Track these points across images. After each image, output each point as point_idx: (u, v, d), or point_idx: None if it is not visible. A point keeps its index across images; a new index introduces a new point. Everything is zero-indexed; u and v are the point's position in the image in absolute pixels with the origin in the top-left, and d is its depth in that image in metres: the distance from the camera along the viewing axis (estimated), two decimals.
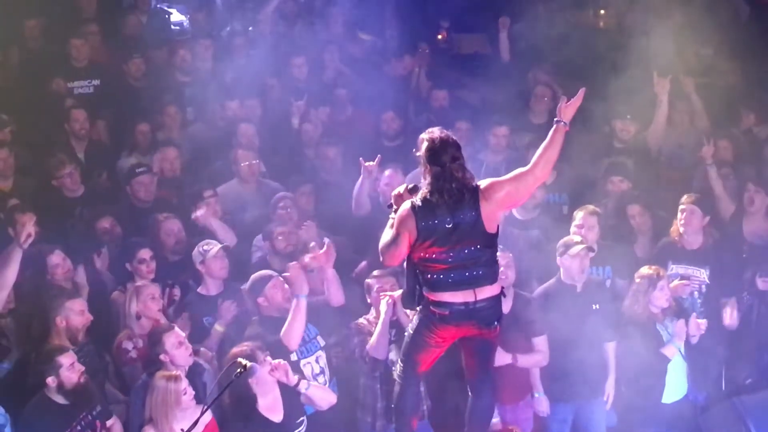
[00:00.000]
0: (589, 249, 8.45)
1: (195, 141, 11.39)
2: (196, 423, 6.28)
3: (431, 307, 6.55)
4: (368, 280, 8.22)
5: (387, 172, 9.78)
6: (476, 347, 6.78)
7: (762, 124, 11.33)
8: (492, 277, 6.54)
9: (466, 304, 6.47)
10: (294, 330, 7.76)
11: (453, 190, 6.35)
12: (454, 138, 6.47)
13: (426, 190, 6.42)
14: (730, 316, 8.80)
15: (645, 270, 8.43)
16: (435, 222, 6.37)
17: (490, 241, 6.48)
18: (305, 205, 9.97)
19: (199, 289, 8.75)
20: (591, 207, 9.04)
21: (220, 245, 8.66)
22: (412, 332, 6.78)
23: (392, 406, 7.26)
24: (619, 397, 8.56)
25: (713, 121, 11.08)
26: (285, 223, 9.36)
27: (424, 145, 6.44)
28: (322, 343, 8.25)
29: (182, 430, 6.44)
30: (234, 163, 10.40)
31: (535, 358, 8.35)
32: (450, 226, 6.36)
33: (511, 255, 8.26)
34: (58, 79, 11.66)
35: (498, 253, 7.94)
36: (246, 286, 8.24)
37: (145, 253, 8.73)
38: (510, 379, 8.22)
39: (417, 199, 6.44)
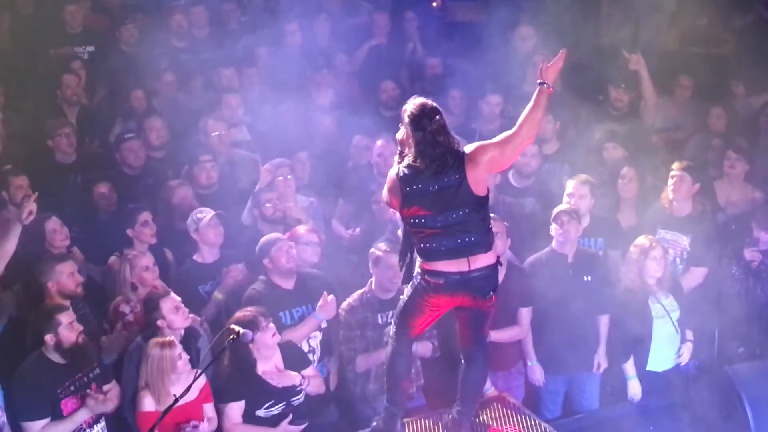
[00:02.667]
0: (570, 213, 8.43)
1: (185, 108, 11.38)
2: (189, 388, 6.26)
3: (426, 276, 6.51)
4: (375, 252, 8.10)
5: (379, 143, 9.71)
6: (470, 317, 6.74)
7: (751, 95, 11.33)
8: (486, 245, 6.46)
9: (460, 273, 6.42)
10: (296, 335, 7.91)
11: (436, 154, 6.31)
12: (435, 104, 6.44)
13: (411, 157, 6.40)
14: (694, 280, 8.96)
15: (640, 240, 8.42)
16: (419, 186, 6.34)
17: (479, 205, 6.41)
18: (300, 172, 9.90)
19: (194, 257, 8.69)
20: (583, 176, 9.00)
21: (213, 212, 8.60)
22: (406, 299, 6.74)
23: (384, 368, 7.26)
24: (611, 368, 8.59)
25: (708, 91, 11.07)
26: (282, 191, 9.30)
27: (407, 113, 6.42)
28: (324, 324, 8.21)
29: (175, 395, 6.42)
30: (204, 133, 10.34)
31: (511, 332, 8.37)
32: (435, 189, 6.32)
33: (505, 224, 8.24)
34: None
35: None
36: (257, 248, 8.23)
37: (146, 216, 8.72)
38: (502, 346, 8.26)
39: (402, 166, 6.42)
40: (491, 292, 6.56)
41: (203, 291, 8.50)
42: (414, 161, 6.37)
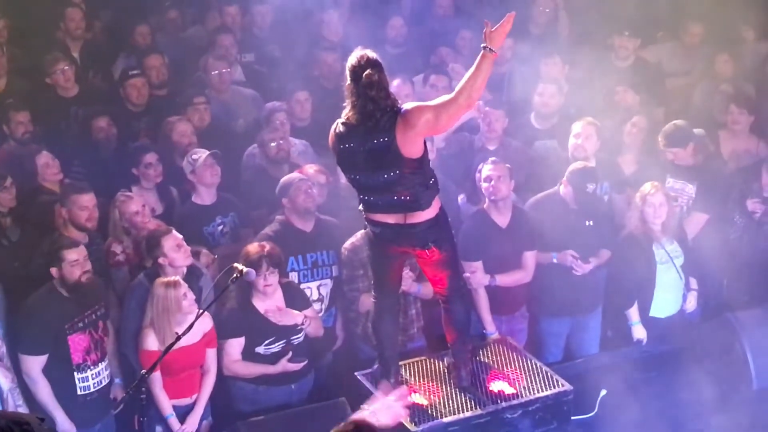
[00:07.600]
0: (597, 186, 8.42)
1: (190, 45, 11.29)
2: (191, 327, 6.25)
3: (368, 225, 6.57)
4: None
5: (395, 83, 9.44)
6: (427, 263, 6.68)
7: (762, 39, 11.21)
8: (426, 202, 6.35)
9: (397, 225, 6.40)
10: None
11: (366, 110, 6.14)
12: (376, 57, 6.19)
13: (346, 111, 6.28)
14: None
15: (645, 186, 8.35)
16: (351, 145, 6.25)
17: (413, 166, 6.22)
18: (300, 113, 9.82)
19: (193, 198, 8.64)
20: (589, 118, 8.94)
21: (208, 152, 8.52)
22: (368, 253, 6.85)
23: (370, 330, 7.29)
24: (613, 311, 8.61)
25: (716, 36, 10.96)
26: (278, 133, 9.22)
27: (348, 65, 6.23)
28: (335, 273, 8.20)
29: (176, 333, 6.42)
30: (204, 72, 10.27)
31: (516, 275, 8.31)
32: (365, 149, 6.20)
33: (508, 166, 8.15)
34: None
35: (489, 166, 7.90)
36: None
37: (151, 157, 8.67)
38: (506, 290, 8.27)
39: (340, 121, 6.32)
40: (430, 243, 6.46)
41: (207, 232, 8.49)
42: (348, 116, 6.25)
